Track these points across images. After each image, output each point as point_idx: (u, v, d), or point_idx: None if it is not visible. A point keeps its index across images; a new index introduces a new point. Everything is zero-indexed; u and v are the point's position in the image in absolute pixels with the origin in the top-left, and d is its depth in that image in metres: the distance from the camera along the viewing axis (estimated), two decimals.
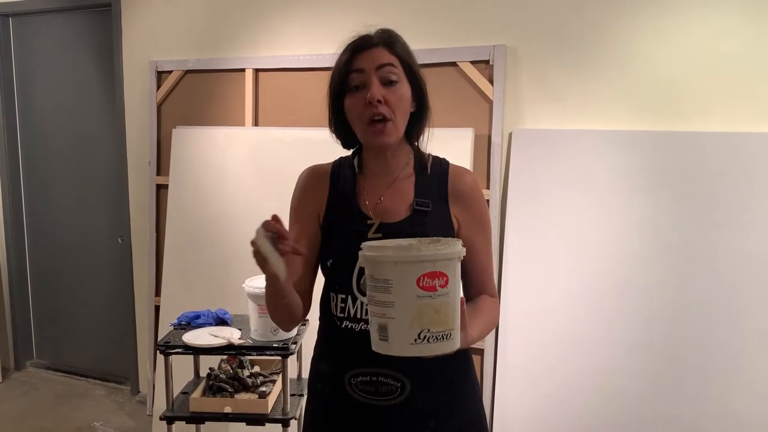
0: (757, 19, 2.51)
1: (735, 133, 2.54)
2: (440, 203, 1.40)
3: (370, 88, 1.31)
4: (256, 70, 3.35)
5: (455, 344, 1.15)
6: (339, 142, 1.46)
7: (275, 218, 1.20)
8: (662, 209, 2.63)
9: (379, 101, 1.30)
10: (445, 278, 1.12)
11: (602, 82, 2.73)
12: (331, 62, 3.27)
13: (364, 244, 1.18)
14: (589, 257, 2.71)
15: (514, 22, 2.83)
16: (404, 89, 1.35)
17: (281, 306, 1.37)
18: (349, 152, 1.50)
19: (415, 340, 1.11)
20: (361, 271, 1.32)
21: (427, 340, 1.11)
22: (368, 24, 1.39)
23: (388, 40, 1.36)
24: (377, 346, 1.16)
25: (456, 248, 1.15)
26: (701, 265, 2.57)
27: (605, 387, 2.67)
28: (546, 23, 2.79)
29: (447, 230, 1.39)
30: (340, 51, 1.38)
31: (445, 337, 1.13)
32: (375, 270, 1.13)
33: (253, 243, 1.17)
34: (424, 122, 1.42)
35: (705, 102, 2.60)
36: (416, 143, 1.46)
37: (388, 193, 1.41)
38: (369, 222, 1.37)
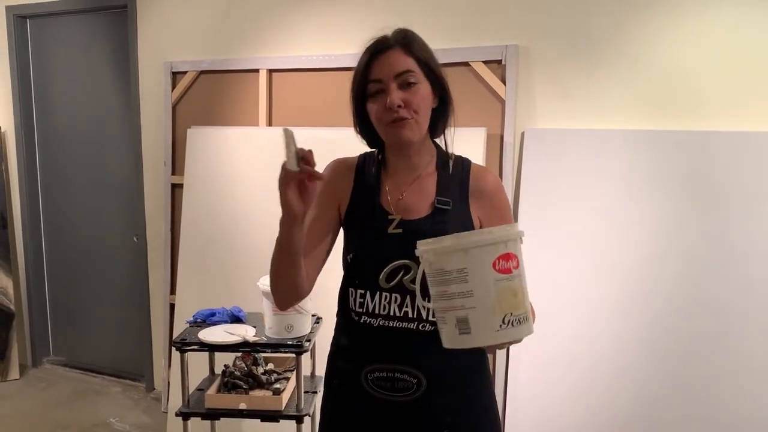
0: None
1: (748, 133, 2.54)
2: (461, 202, 1.41)
3: (389, 94, 1.32)
4: (270, 71, 3.38)
5: (531, 326, 1.13)
6: (364, 141, 1.48)
7: (310, 152, 1.20)
8: (675, 209, 2.63)
9: (399, 106, 1.31)
10: (516, 260, 1.10)
11: (614, 82, 2.73)
12: (344, 62, 3.29)
13: (420, 243, 1.15)
14: (601, 256, 2.72)
15: (527, 21, 2.84)
16: (424, 89, 1.35)
17: (289, 265, 1.31)
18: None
19: (501, 326, 1.08)
20: (394, 271, 1.33)
21: (511, 324, 1.08)
22: (385, 26, 1.39)
23: (404, 41, 1.35)
24: (457, 341, 1.11)
25: (517, 228, 1.12)
26: (713, 265, 2.57)
27: (616, 386, 2.68)
28: (558, 23, 2.80)
29: (467, 229, 1.38)
30: (360, 54, 1.38)
31: (525, 319, 1.10)
32: (446, 262, 1.09)
33: (283, 167, 1.18)
34: (447, 117, 1.44)
35: (718, 101, 2.60)
36: (440, 143, 1.47)
37: (410, 191, 1.42)
38: (390, 218, 1.39)
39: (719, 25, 2.57)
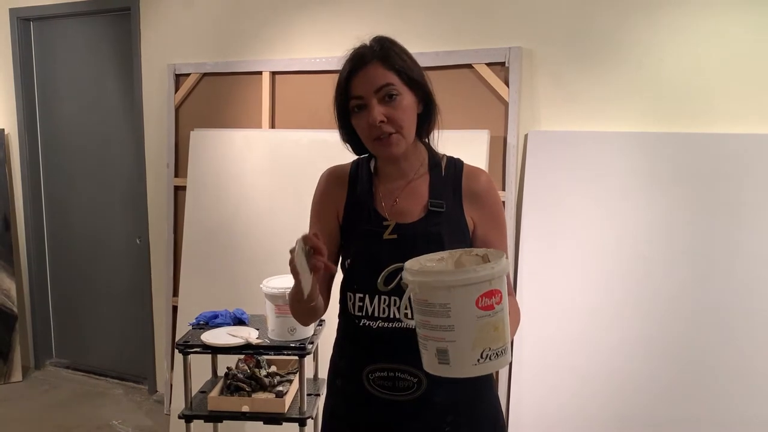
0: None
1: (751, 135, 2.53)
2: (455, 203, 1.41)
3: (370, 111, 1.32)
4: (273, 73, 3.38)
5: (509, 357, 1.15)
6: (350, 150, 1.49)
7: (315, 235, 1.23)
8: (678, 211, 2.62)
9: (382, 121, 1.32)
10: (499, 295, 1.11)
11: (618, 84, 2.73)
12: None
13: (408, 268, 1.16)
14: (604, 259, 2.71)
15: (530, 24, 2.84)
16: (406, 100, 1.35)
17: (307, 309, 1.41)
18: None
19: (478, 360, 1.10)
20: (392, 274, 1.34)
21: (489, 358, 1.10)
22: (360, 36, 1.39)
23: (381, 54, 1.35)
24: (436, 369, 1.14)
25: (505, 262, 1.13)
26: (718, 267, 2.56)
27: (620, 387, 2.67)
28: (562, 25, 2.79)
29: (461, 230, 1.41)
30: (340, 67, 1.39)
31: (503, 352, 1.13)
32: (429, 295, 1.11)
33: (291, 252, 1.21)
34: (432, 120, 1.44)
35: (721, 103, 2.59)
36: (429, 144, 1.48)
37: (403, 195, 1.43)
38: (385, 223, 1.40)
39: (724, 27, 2.57)
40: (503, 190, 2.90)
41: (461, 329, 1.09)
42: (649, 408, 2.63)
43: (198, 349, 2.44)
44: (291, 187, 3.18)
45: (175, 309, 3.60)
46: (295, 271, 1.23)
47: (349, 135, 1.44)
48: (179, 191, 3.66)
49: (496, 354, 1.11)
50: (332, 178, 1.51)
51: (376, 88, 1.33)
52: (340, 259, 1.48)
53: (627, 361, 2.66)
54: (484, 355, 1.10)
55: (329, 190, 1.49)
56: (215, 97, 3.55)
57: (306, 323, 1.52)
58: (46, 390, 4.10)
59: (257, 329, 2.53)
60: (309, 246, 1.21)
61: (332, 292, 1.52)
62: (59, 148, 4.26)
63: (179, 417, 2.45)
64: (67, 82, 4.15)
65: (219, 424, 2.60)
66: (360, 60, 1.35)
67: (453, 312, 1.09)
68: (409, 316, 1.22)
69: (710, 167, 2.58)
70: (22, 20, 4.13)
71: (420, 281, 1.12)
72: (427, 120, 1.43)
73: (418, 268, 1.19)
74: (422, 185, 1.43)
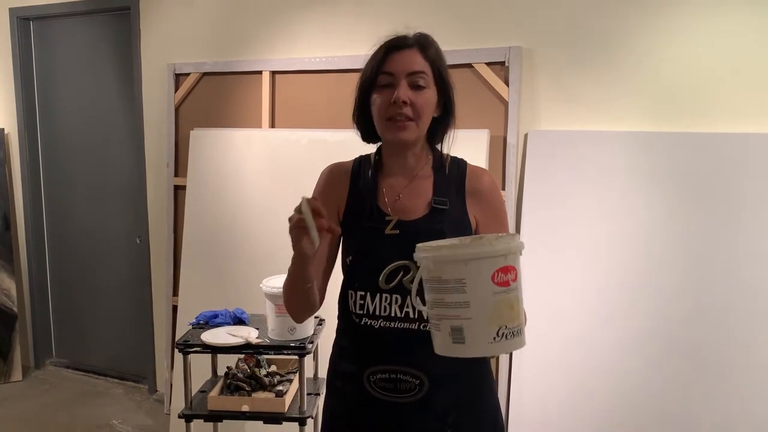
0: None
1: (753, 134, 2.53)
2: (458, 202, 1.42)
3: (398, 88, 1.34)
4: (273, 73, 3.38)
5: (524, 339, 1.13)
6: (359, 133, 1.49)
7: (315, 198, 1.23)
8: (679, 210, 2.62)
9: (404, 102, 1.33)
10: (514, 272, 1.09)
11: (618, 83, 2.73)
12: (346, 64, 3.29)
13: (419, 247, 1.15)
14: (604, 258, 2.71)
15: (530, 23, 2.84)
16: (431, 94, 1.38)
17: (303, 292, 1.38)
18: (368, 148, 1.52)
19: (494, 338, 1.08)
20: (394, 272, 1.33)
21: (505, 337, 1.08)
22: (408, 26, 1.42)
23: (422, 43, 1.39)
24: (450, 350, 1.11)
25: (520, 240, 1.12)
26: (717, 266, 2.56)
27: (619, 386, 2.67)
28: (562, 25, 2.79)
29: (464, 229, 1.41)
30: (376, 47, 1.40)
31: (519, 332, 1.10)
32: (443, 271, 1.09)
33: (295, 213, 1.19)
34: (447, 127, 1.46)
35: (722, 102, 2.59)
36: (439, 148, 1.49)
37: (406, 191, 1.43)
38: (387, 219, 1.39)
39: (724, 27, 2.57)
40: (503, 189, 2.90)
41: (477, 305, 1.07)
42: (648, 406, 2.63)
43: (198, 349, 2.44)
44: (291, 186, 3.18)
45: (175, 309, 3.60)
46: (298, 236, 1.20)
47: (363, 116, 1.44)
48: (179, 191, 3.66)
49: (512, 333, 1.09)
50: (334, 174, 1.51)
51: (410, 72, 1.36)
52: (341, 257, 1.48)
53: (626, 360, 2.66)
54: (500, 333, 1.07)
55: (330, 186, 1.49)
56: (215, 96, 3.56)
57: (300, 316, 1.49)
58: (46, 390, 4.10)
59: (257, 329, 2.53)
60: (312, 207, 1.19)
61: (328, 292, 1.52)
62: (59, 148, 4.26)
63: (179, 416, 2.45)
64: (67, 81, 4.15)
65: (219, 423, 2.60)
66: (402, 41, 1.39)
67: (468, 287, 1.07)
68: (416, 299, 1.21)
69: (710, 167, 2.58)
70: (22, 20, 4.13)
71: (434, 256, 1.10)
72: (441, 126, 1.45)
73: (430, 245, 1.17)
74: (426, 183, 1.44)
